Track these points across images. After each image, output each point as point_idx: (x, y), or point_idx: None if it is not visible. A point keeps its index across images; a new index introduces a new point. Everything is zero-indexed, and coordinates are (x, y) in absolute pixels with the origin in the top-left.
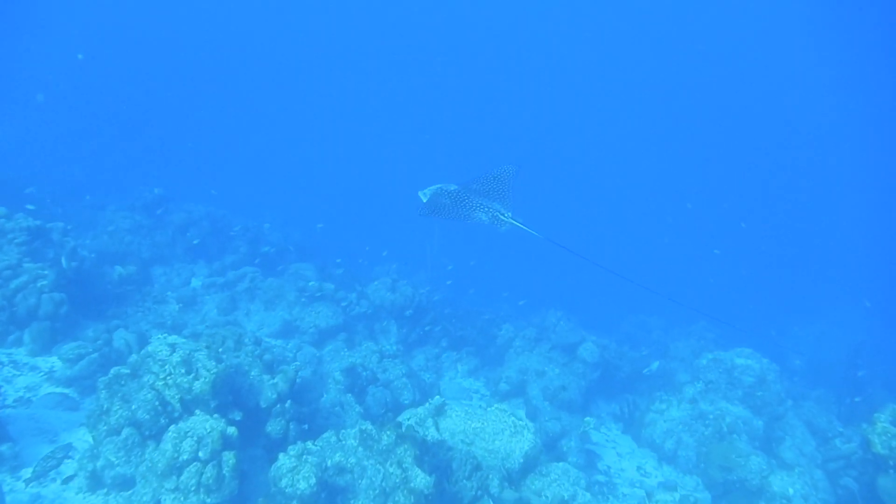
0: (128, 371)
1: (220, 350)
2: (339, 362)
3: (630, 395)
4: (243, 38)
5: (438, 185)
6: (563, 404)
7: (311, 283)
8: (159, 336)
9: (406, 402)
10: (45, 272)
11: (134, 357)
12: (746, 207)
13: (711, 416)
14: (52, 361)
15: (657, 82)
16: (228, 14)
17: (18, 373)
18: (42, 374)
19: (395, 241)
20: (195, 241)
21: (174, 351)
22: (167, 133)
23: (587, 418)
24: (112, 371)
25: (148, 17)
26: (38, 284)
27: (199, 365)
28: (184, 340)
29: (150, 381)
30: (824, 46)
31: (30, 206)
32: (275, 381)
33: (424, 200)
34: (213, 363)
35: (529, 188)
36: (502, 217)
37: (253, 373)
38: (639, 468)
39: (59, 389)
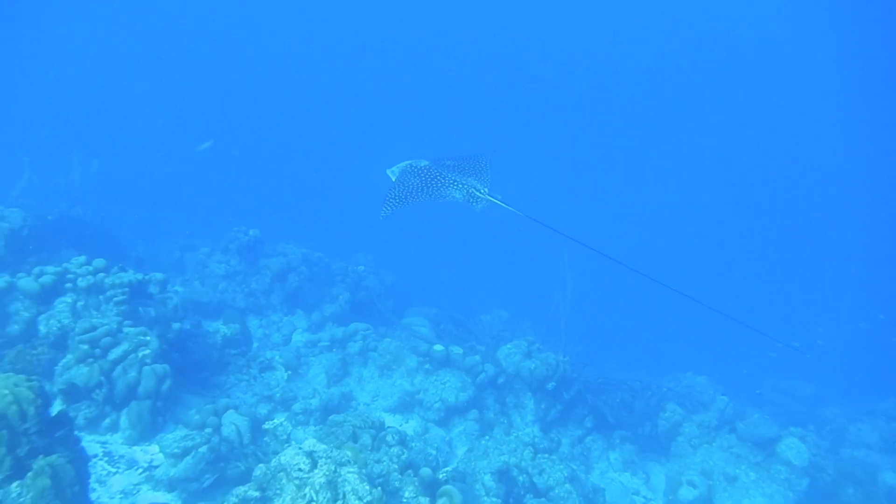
0: (257, 494)
1: (367, 461)
2: (486, 460)
3: None
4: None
5: (408, 162)
6: None
7: (436, 348)
8: (279, 422)
9: None
10: (148, 338)
11: (261, 470)
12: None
13: None
14: (153, 452)
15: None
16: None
17: (115, 469)
18: (141, 470)
19: (503, 279)
20: (293, 289)
21: (315, 465)
22: (251, 169)
23: None
24: (237, 494)
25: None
26: (140, 354)
27: (348, 488)
28: (325, 447)
29: None
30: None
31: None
32: None
33: (393, 179)
34: (367, 487)
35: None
36: (478, 193)
37: (406, 493)
38: None
39: (160, 495)
